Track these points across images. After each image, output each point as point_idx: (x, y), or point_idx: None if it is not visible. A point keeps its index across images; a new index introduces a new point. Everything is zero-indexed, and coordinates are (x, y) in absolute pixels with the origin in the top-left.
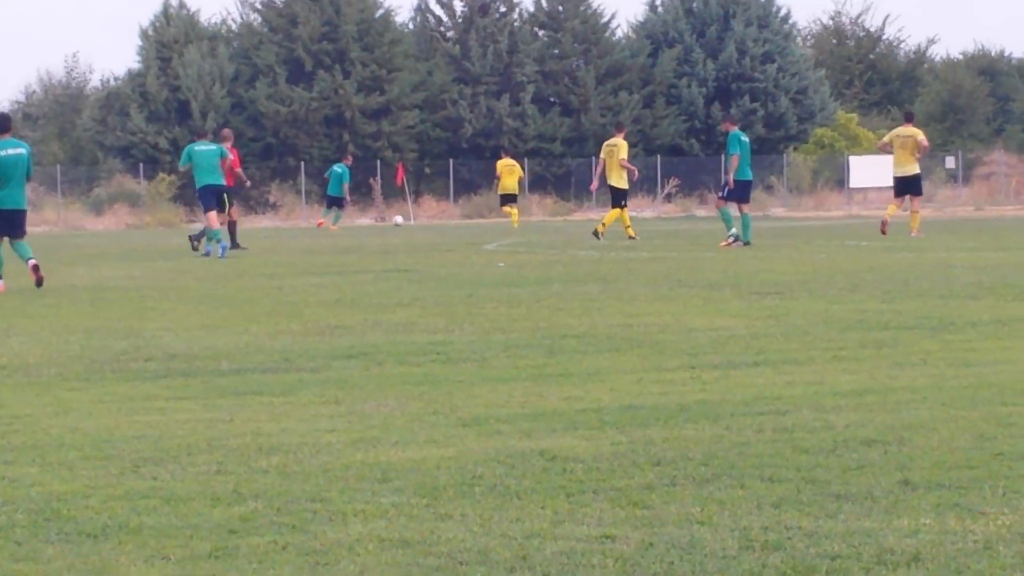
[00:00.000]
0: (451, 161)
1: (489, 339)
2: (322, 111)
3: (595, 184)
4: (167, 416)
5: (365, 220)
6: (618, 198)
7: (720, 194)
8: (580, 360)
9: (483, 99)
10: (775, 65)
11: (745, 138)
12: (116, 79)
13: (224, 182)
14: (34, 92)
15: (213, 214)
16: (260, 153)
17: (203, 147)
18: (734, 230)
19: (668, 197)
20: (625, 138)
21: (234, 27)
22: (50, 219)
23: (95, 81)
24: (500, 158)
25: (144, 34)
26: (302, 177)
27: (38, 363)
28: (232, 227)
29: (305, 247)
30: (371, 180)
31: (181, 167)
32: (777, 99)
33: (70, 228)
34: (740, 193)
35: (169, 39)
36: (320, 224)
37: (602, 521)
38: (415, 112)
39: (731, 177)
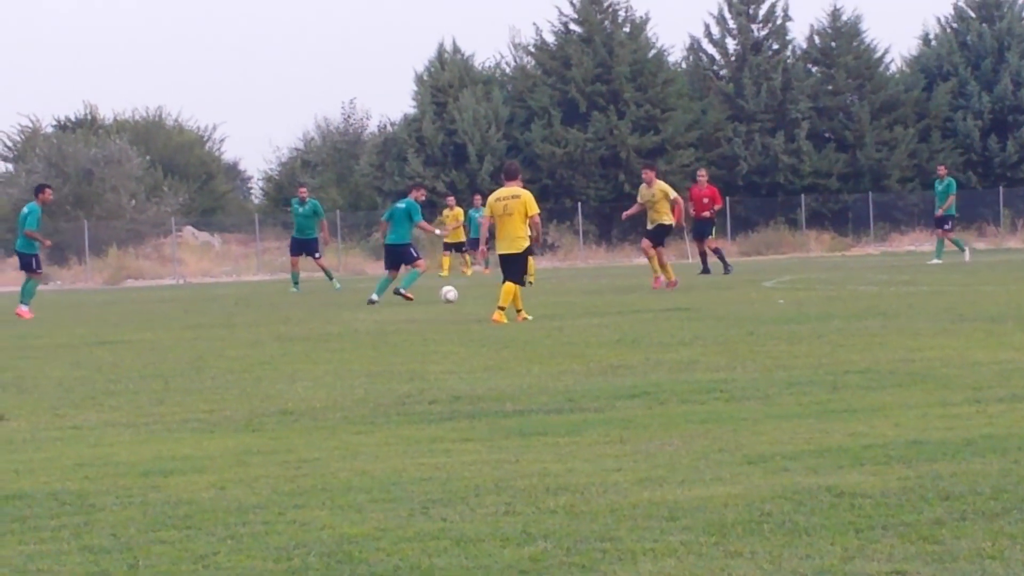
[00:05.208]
0: (727, 199)
1: (771, 376)
2: (597, 152)
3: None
4: (453, 458)
5: (642, 260)
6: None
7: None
8: (864, 396)
9: (758, 136)
10: None
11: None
12: (392, 124)
13: None
14: (312, 139)
15: None
16: (537, 195)
17: None
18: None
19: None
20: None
21: (508, 70)
22: (330, 264)
23: (372, 127)
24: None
25: (419, 79)
26: (579, 217)
27: (324, 407)
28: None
29: (584, 287)
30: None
31: None
32: None
33: (351, 273)
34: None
35: (444, 84)
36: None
37: (892, 557)
38: (690, 151)
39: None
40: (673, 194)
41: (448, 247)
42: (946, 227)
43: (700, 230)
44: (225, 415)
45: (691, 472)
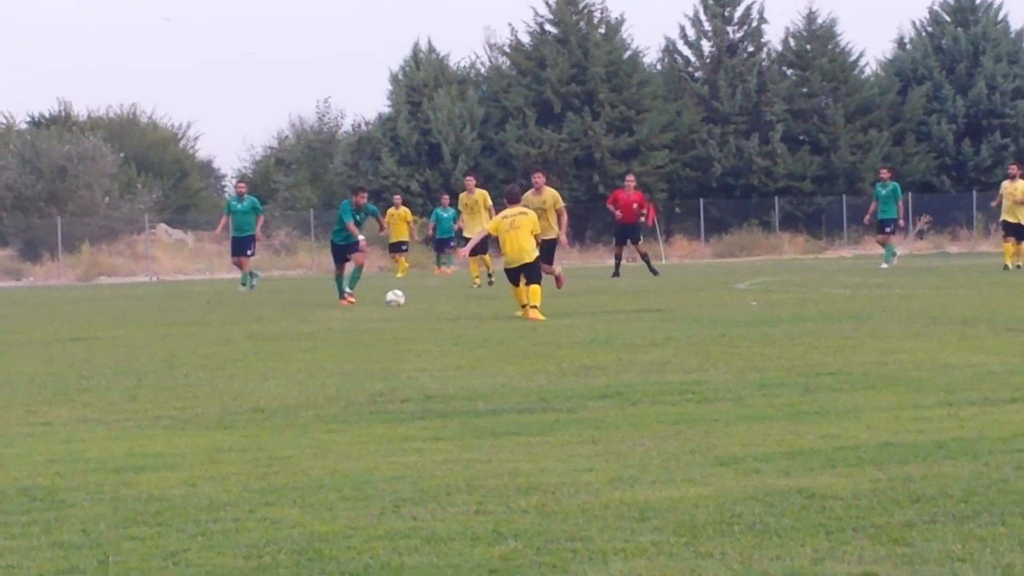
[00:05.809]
0: (701, 200)
1: (744, 378)
2: (572, 152)
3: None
4: (425, 457)
5: (610, 260)
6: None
7: None
8: (836, 398)
9: (732, 138)
10: None
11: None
12: (367, 123)
13: None
14: (287, 138)
15: None
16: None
17: None
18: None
19: (920, 234)
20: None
21: (483, 70)
22: (304, 263)
23: (346, 126)
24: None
25: (394, 79)
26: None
27: (296, 405)
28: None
29: (555, 289)
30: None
31: None
32: None
33: (324, 271)
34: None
35: (419, 83)
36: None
37: (862, 559)
38: (664, 152)
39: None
40: (561, 203)
41: (394, 248)
42: (888, 231)
43: (631, 235)
44: (197, 412)
45: (662, 473)
